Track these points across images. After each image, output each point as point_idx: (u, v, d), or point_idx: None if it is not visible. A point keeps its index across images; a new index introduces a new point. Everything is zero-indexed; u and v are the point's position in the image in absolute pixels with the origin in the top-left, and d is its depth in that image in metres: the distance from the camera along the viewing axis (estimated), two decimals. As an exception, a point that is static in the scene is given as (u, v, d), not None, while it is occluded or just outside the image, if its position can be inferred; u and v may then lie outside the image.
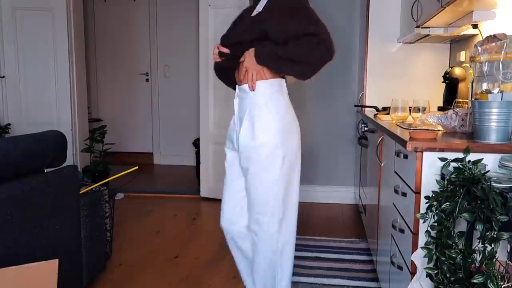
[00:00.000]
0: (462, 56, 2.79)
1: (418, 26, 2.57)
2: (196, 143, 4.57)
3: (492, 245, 1.19)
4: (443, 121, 1.78)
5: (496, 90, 1.56)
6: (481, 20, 2.08)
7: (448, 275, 1.25)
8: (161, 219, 3.61)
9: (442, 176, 1.42)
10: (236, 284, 2.38)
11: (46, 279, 1.36)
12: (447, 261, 1.26)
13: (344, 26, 3.87)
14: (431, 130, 1.66)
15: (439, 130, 1.73)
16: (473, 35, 2.56)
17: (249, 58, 1.75)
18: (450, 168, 1.35)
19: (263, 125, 1.78)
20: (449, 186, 1.29)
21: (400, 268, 1.76)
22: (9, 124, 4.28)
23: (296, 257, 2.13)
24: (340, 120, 3.97)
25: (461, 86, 2.50)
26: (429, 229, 1.32)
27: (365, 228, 3.09)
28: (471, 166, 1.30)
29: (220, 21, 3.93)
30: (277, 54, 1.70)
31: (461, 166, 1.31)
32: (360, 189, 3.51)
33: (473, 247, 1.25)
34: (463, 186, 1.25)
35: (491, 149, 1.46)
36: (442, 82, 2.66)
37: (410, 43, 3.19)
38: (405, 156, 1.67)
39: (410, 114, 2.21)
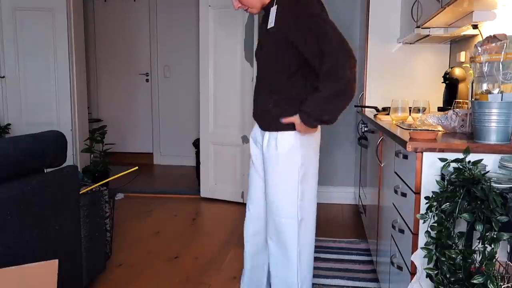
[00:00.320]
0: (462, 56, 2.79)
1: (418, 27, 2.57)
2: (196, 143, 4.56)
3: (492, 246, 1.19)
4: (443, 121, 1.78)
5: (496, 91, 1.56)
6: (481, 21, 2.08)
7: (448, 276, 1.25)
8: (161, 219, 3.61)
9: (442, 177, 1.42)
10: (236, 284, 2.38)
11: (46, 279, 1.36)
12: (447, 262, 1.26)
13: (344, 26, 3.84)
14: (431, 130, 1.66)
15: (439, 131, 1.73)
16: (473, 36, 2.56)
17: (300, 126, 1.78)
18: (450, 169, 1.35)
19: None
20: (449, 186, 1.29)
21: (400, 268, 1.76)
22: (9, 124, 4.28)
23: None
24: (340, 121, 3.94)
25: (461, 86, 2.50)
26: (429, 229, 1.32)
27: (365, 228, 3.09)
28: (471, 166, 1.30)
29: (220, 21, 3.94)
30: (322, 116, 1.75)
31: (461, 167, 1.31)
32: (360, 189, 3.51)
33: (473, 248, 1.25)
34: (463, 186, 1.25)
35: (491, 149, 1.46)
36: (442, 82, 2.65)
37: (410, 43, 3.19)
38: (405, 157, 1.67)
39: (410, 115, 2.21)
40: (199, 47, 4.09)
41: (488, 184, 1.22)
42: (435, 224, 1.30)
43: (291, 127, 1.80)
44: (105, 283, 2.45)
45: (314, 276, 2.51)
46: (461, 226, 1.30)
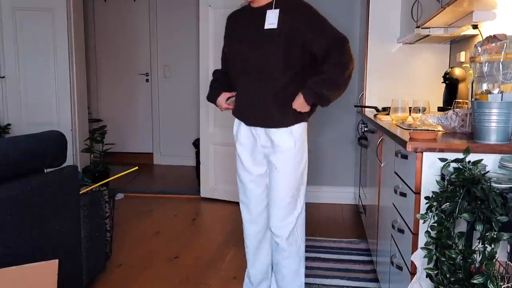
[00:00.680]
0: (462, 56, 2.79)
1: (418, 27, 2.57)
2: (196, 143, 4.57)
3: (492, 246, 1.19)
4: (443, 121, 1.78)
5: (496, 91, 1.56)
6: (481, 21, 2.08)
7: (448, 276, 1.25)
8: (161, 219, 3.61)
9: (442, 177, 1.42)
10: (236, 284, 2.38)
11: (46, 279, 1.36)
12: (447, 262, 1.26)
13: (344, 26, 3.85)
14: (431, 130, 1.66)
15: (439, 131, 1.73)
16: (473, 36, 2.56)
17: (300, 105, 1.89)
18: (450, 169, 1.35)
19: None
20: (449, 186, 1.29)
21: (400, 268, 1.76)
22: (9, 124, 4.28)
23: (296, 257, 2.17)
24: (340, 121, 3.97)
25: (461, 86, 2.50)
26: (429, 229, 1.32)
27: (365, 228, 3.09)
28: (471, 166, 1.30)
29: (220, 21, 3.93)
30: (321, 92, 1.87)
31: (461, 167, 1.31)
32: (360, 189, 3.51)
33: (473, 248, 1.25)
34: (463, 186, 1.25)
35: (491, 149, 1.46)
36: (442, 82, 2.65)
37: (410, 43, 3.19)
38: (405, 157, 1.67)
39: (410, 115, 2.21)
40: (199, 47, 4.10)
41: (488, 184, 1.22)
42: (435, 224, 1.30)
43: (301, 119, 1.96)
44: (105, 283, 2.45)
45: (314, 276, 2.51)
46: (461, 226, 1.30)
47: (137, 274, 2.57)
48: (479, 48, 1.64)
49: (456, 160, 1.34)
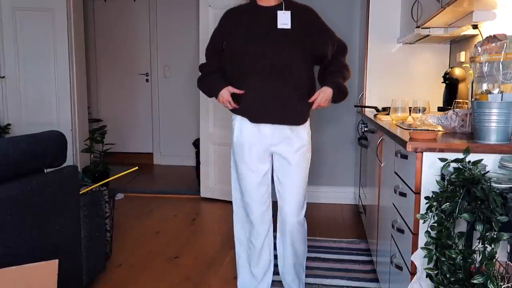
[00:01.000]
0: (462, 56, 2.79)
1: (418, 27, 2.57)
2: (196, 143, 4.57)
3: (492, 246, 1.19)
4: (443, 121, 1.78)
5: (496, 91, 1.56)
6: (481, 21, 2.08)
7: (448, 276, 1.25)
8: (161, 219, 3.61)
9: (442, 177, 1.42)
10: (236, 284, 2.38)
11: (46, 279, 1.36)
12: (447, 262, 1.26)
13: (344, 26, 3.86)
14: (431, 130, 1.66)
15: (439, 131, 1.73)
16: (473, 36, 2.56)
17: (327, 98, 2.02)
18: (450, 169, 1.35)
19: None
20: (449, 186, 1.29)
21: (400, 268, 1.76)
22: (9, 124, 4.28)
23: (296, 257, 2.17)
24: (340, 121, 3.97)
25: (461, 86, 2.50)
26: (429, 229, 1.32)
27: (365, 228, 3.09)
28: (471, 166, 1.30)
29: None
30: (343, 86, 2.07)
31: (461, 167, 1.31)
32: (360, 189, 3.51)
33: (473, 248, 1.25)
34: (463, 186, 1.25)
35: (491, 149, 1.46)
36: (442, 82, 2.66)
37: (410, 43, 3.19)
38: (405, 157, 1.67)
39: (410, 115, 2.21)
40: (199, 47, 4.09)
41: (488, 184, 1.22)
42: (435, 224, 1.30)
43: (308, 115, 2.10)
44: (105, 283, 2.45)
45: (314, 276, 2.52)
46: (461, 226, 1.30)
47: (137, 274, 2.57)
48: (479, 48, 1.64)
49: (456, 160, 1.34)
